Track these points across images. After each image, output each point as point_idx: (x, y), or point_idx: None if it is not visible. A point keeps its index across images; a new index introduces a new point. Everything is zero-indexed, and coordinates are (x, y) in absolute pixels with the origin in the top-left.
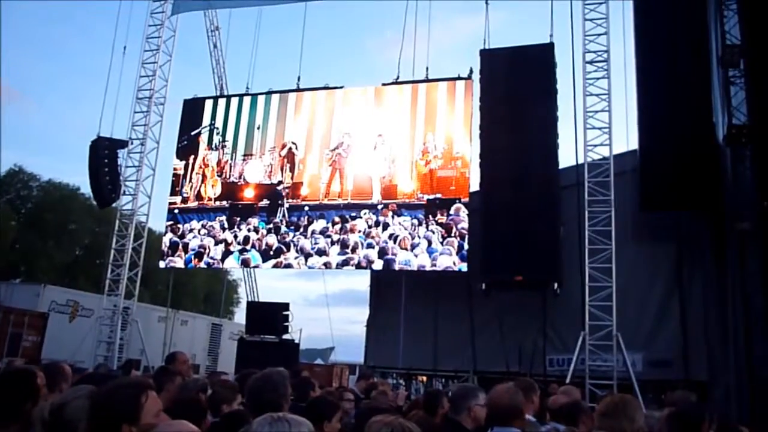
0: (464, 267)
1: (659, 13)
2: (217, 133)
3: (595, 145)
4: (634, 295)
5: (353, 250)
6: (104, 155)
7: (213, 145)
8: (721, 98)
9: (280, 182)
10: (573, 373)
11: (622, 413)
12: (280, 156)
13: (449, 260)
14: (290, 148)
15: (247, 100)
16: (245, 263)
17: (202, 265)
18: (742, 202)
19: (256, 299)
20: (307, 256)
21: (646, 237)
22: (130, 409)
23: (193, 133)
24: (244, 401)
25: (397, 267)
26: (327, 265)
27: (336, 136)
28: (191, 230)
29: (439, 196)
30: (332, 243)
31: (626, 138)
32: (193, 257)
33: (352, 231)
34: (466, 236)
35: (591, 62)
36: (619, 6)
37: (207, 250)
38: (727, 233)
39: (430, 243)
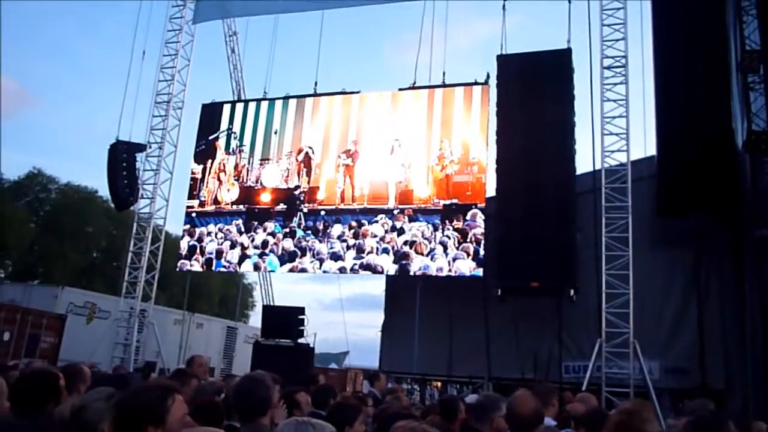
0: (480, 272)
1: (678, 19)
2: (235, 138)
3: (613, 151)
4: (650, 301)
5: (369, 255)
6: (123, 159)
7: (230, 150)
8: (741, 104)
9: (297, 187)
10: (589, 380)
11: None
12: (296, 161)
13: (465, 265)
14: (307, 153)
15: (264, 104)
16: (262, 267)
17: (219, 268)
18: (761, 208)
19: (272, 303)
20: (323, 260)
21: (663, 244)
22: (156, 412)
23: (210, 138)
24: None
25: (413, 272)
26: (342, 269)
27: (351, 142)
28: (208, 234)
29: (455, 201)
30: (348, 248)
31: (644, 144)
32: (208, 261)
33: (367, 236)
34: (482, 242)
35: (609, 68)
36: (637, 11)
37: (224, 254)
38: (745, 240)
39: (445, 248)
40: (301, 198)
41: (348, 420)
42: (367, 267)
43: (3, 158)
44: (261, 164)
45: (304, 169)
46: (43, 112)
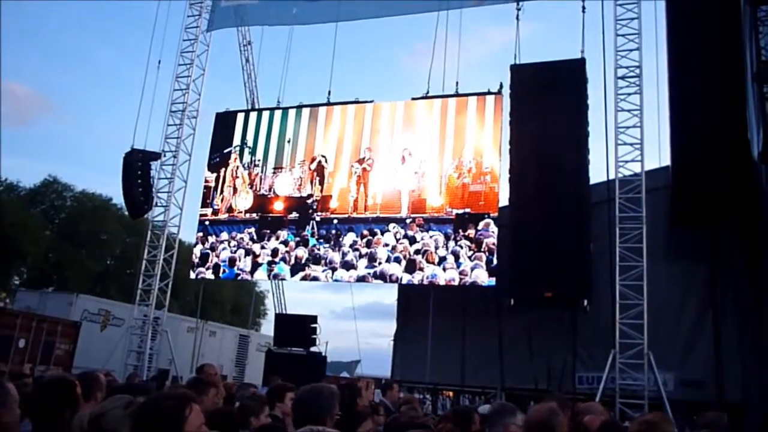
0: (493, 282)
1: (692, 29)
2: (249, 151)
3: (627, 161)
4: (666, 313)
5: (381, 264)
6: (137, 167)
7: (244, 159)
8: (756, 114)
9: (309, 195)
10: (603, 391)
11: None
12: (309, 169)
13: (477, 275)
14: (320, 162)
15: (278, 113)
16: (274, 276)
17: (232, 276)
18: None
19: (284, 311)
20: (335, 269)
21: (679, 255)
22: (174, 421)
23: (225, 151)
24: (272, 413)
25: (424, 281)
26: (355, 278)
27: (365, 150)
28: (221, 242)
29: (468, 210)
30: (360, 256)
31: (658, 154)
32: (215, 268)
33: (379, 245)
34: (495, 251)
35: (623, 77)
36: (651, 21)
37: (236, 262)
38: (762, 251)
39: (457, 257)
40: (314, 206)
41: (353, 425)
42: (380, 276)
43: (20, 166)
44: (274, 173)
45: (317, 178)
46: (59, 120)
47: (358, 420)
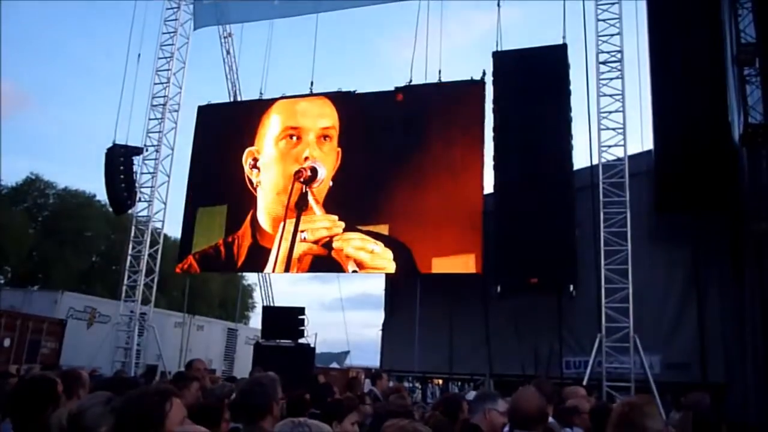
0: (479, 269)
1: (673, 13)
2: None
3: (610, 146)
4: (651, 296)
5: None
6: (120, 162)
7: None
8: (737, 97)
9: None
10: (590, 375)
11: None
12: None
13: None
14: None
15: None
16: (261, 268)
17: (220, 269)
18: (760, 202)
19: (272, 304)
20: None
21: (662, 238)
22: (155, 416)
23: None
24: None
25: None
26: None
27: None
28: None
29: None
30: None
31: (641, 138)
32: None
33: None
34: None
35: (604, 63)
36: (632, 6)
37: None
38: (745, 234)
39: None
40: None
41: (338, 416)
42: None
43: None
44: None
45: None
46: (39, 117)
47: (344, 411)
